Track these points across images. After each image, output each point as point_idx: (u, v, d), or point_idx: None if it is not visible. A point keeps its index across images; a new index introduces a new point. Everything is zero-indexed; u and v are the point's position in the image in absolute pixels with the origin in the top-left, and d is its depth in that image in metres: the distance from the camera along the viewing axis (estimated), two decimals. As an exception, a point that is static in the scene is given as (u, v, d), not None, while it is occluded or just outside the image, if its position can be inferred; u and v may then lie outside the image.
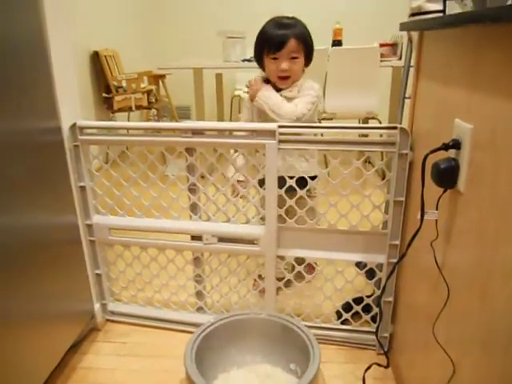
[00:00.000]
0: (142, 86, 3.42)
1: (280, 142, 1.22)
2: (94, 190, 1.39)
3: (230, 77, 4.14)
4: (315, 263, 1.63)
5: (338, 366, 1.33)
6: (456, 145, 0.83)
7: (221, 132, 1.27)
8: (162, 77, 3.67)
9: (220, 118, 3.93)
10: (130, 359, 1.37)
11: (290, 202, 1.29)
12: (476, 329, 0.77)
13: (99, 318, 1.50)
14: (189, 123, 1.27)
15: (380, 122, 3.00)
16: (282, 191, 1.27)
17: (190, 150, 1.30)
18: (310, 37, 1.46)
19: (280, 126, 1.22)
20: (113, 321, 1.54)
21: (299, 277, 1.38)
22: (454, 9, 0.99)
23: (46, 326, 1.19)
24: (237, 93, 4.14)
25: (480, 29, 0.74)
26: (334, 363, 1.33)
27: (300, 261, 1.36)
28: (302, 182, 1.28)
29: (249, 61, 3.11)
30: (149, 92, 3.43)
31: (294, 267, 1.37)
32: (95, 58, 3.35)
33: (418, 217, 0.92)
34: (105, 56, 3.37)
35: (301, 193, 1.27)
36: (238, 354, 1.09)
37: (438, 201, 0.88)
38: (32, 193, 1.10)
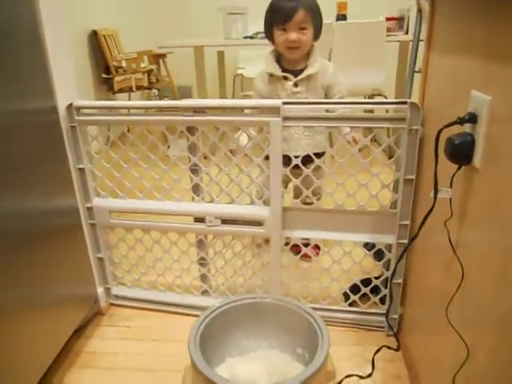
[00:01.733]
0: (143, 65, 3.35)
1: (284, 119, 1.17)
2: (94, 173, 1.35)
3: (231, 55, 4.06)
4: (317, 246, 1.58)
5: (346, 348, 1.30)
6: (472, 118, 0.78)
7: (223, 110, 1.22)
8: (163, 56, 3.58)
9: (222, 98, 3.86)
10: (135, 343, 1.36)
11: (297, 182, 1.24)
12: (492, 311, 0.74)
13: (103, 302, 1.48)
14: (190, 101, 1.23)
15: (386, 98, 2.94)
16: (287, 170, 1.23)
17: (191, 129, 1.25)
18: (319, 9, 1.46)
19: (284, 103, 1.17)
20: (117, 305, 1.52)
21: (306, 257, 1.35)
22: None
23: (49, 311, 1.17)
24: (239, 71, 4.05)
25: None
26: (342, 345, 1.31)
27: (306, 242, 1.32)
28: (307, 159, 1.24)
29: (251, 38, 3.02)
30: (149, 72, 3.36)
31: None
32: (94, 37, 3.28)
33: (431, 195, 0.87)
34: (104, 35, 3.30)
35: (307, 172, 1.23)
36: (243, 339, 1.07)
37: (453, 178, 0.83)
38: (29, 176, 1.06)
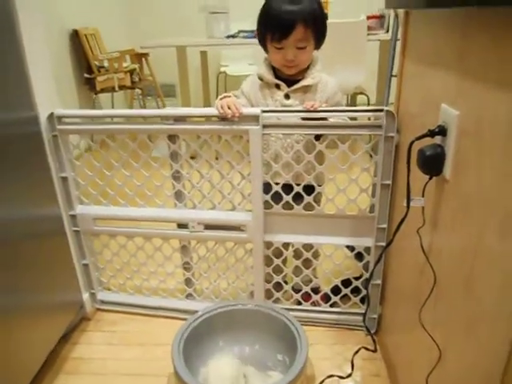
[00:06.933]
0: (125, 65, 3.33)
1: (264, 126, 1.20)
2: (76, 181, 1.35)
3: (214, 53, 4.05)
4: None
5: (326, 347, 1.34)
6: (442, 131, 0.81)
7: (205, 118, 1.24)
8: (145, 55, 3.57)
9: (206, 96, 3.86)
10: (122, 348, 1.38)
11: (298, 208, 1.28)
12: (461, 314, 0.77)
13: (89, 308, 1.49)
14: (170, 109, 1.24)
15: (368, 98, 2.97)
16: (290, 197, 1.27)
17: (172, 138, 1.27)
18: (322, 13, 1.24)
19: (264, 111, 1.19)
20: (103, 310, 1.53)
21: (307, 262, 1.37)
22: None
23: (35, 318, 1.18)
24: (222, 69, 4.05)
25: (468, 11, 0.71)
26: (322, 345, 1.34)
27: (308, 247, 1.34)
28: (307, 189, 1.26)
29: (233, 37, 3.03)
30: (132, 71, 3.34)
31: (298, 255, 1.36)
32: (75, 37, 3.24)
33: (405, 204, 0.91)
34: (85, 35, 3.27)
35: (308, 199, 1.26)
36: (225, 346, 1.09)
37: (424, 188, 0.86)
38: (10, 185, 1.07)
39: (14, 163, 1.09)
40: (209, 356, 1.07)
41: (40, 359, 1.21)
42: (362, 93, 2.92)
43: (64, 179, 1.33)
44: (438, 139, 0.83)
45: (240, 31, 3.07)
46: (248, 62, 3.86)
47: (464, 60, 0.76)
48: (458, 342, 0.79)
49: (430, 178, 0.85)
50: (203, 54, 3.63)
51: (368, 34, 2.76)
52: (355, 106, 3.24)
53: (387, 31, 2.98)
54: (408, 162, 0.87)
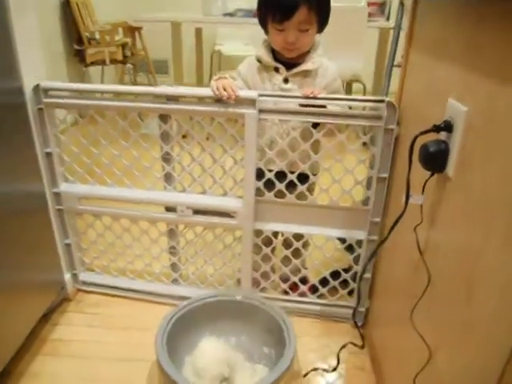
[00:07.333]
0: (117, 38, 3.22)
1: (260, 111, 1.15)
2: (61, 157, 1.30)
3: (210, 30, 3.95)
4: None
5: (313, 339, 1.33)
6: (448, 127, 0.78)
7: (199, 99, 1.19)
8: (139, 29, 3.46)
9: (199, 74, 3.78)
10: (104, 331, 1.34)
11: (291, 196, 1.25)
12: (457, 316, 0.75)
13: (70, 288, 1.45)
14: (163, 88, 1.18)
15: (364, 86, 2.93)
16: (283, 186, 1.23)
17: (164, 117, 1.22)
18: None
19: (260, 95, 1.14)
20: (84, 291, 1.49)
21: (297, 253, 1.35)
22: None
23: (14, 296, 1.14)
24: (217, 48, 3.96)
25: (481, 3, 0.67)
26: (309, 336, 1.33)
27: (298, 237, 1.31)
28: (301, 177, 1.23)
29: (230, 15, 2.94)
30: (124, 45, 3.24)
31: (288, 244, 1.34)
32: (66, 5, 3.12)
33: (403, 201, 0.88)
34: (76, 3, 3.14)
35: (302, 188, 1.23)
36: (212, 337, 1.07)
37: (425, 185, 0.83)
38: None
39: (-5, 135, 1.03)
40: (194, 346, 1.05)
41: (19, 340, 1.17)
42: (357, 80, 2.87)
43: (48, 155, 1.27)
44: (442, 135, 0.80)
45: (238, 10, 2.98)
46: (244, 41, 3.78)
47: (474, 53, 0.72)
48: (452, 343, 0.77)
49: (432, 175, 0.82)
50: (198, 31, 3.54)
51: (368, 21, 2.70)
52: (351, 94, 3.19)
53: (387, 19, 2.93)
54: (410, 158, 0.84)
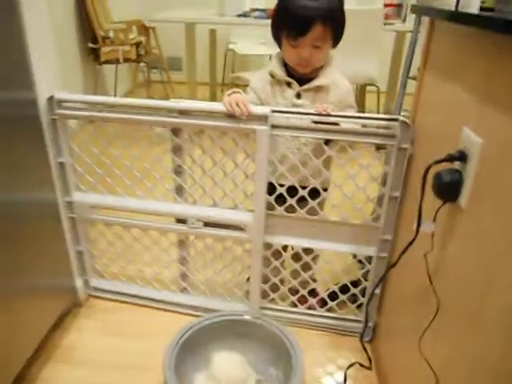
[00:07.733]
0: (131, 37, 3.23)
1: (273, 127, 1.15)
2: (74, 167, 1.31)
3: (224, 29, 3.93)
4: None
5: (320, 352, 1.33)
6: (462, 157, 0.77)
7: (209, 113, 1.18)
8: (153, 27, 3.46)
9: (212, 74, 3.77)
10: (114, 339, 1.36)
11: (301, 212, 1.24)
12: (464, 350, 0.75)
13: (81, 294, 1.47)
14: (176, 102, 1.18)
15: (378, 89, 2.89)
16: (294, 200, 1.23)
17: (176, 131, 1.22)
18: (343, 10, 1.16)
19: (273, 111, 1.13)
20: (96, 296, 1.51)
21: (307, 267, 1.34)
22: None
23: (28, 302, 1.16)
24: (231, 46, 3.94)
25: (500, 37, 0.65)
26: (317, 350, 1.33)
27: (308, 251, 1.31)
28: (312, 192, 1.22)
29: (245, 16, 2.92)
30: (138, 44, 3.24)
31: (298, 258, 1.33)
32: (81, 3, 3.13)
33: (414, 226, 0.87)
34: (91, 2, 3.15)
35: (313, 203, 1.22)
36: (217, 357, 1.07)
37: (436, 213, 0.82)
38: (5, 168, 1.03)
39: (10, 144, 1.04)
40: (200, 367, 1.05)
41: (32, 346, 1.19)
42: (372, 84, 2.83)
43: (61, 164, 1.28)
44: (456, 164, 0.79)
45: (253, 10, 2.96)
46: (258, 40, 3.75)
47: (492, 83, 0.71)
48: (458, 373, 0.77)
49: (444, 203, 0.81)
50: (212, 31, 3.53)
51: (384, 24, 2.66)
52: (364, 96, 3.15)
53: (404, 20, 2.88)
54: (423, 187, 0.83)
